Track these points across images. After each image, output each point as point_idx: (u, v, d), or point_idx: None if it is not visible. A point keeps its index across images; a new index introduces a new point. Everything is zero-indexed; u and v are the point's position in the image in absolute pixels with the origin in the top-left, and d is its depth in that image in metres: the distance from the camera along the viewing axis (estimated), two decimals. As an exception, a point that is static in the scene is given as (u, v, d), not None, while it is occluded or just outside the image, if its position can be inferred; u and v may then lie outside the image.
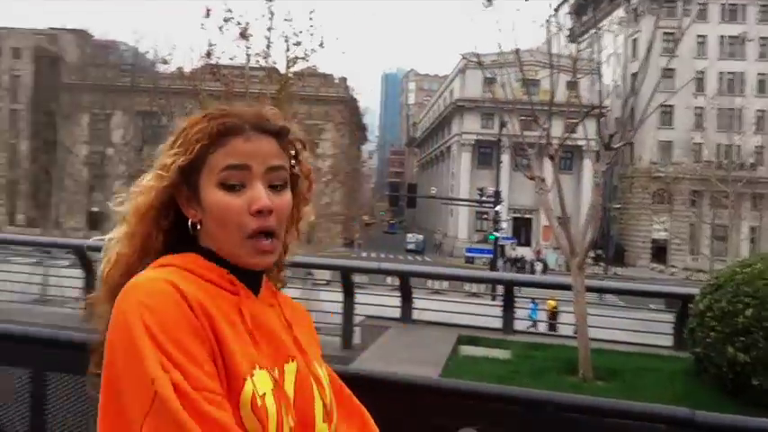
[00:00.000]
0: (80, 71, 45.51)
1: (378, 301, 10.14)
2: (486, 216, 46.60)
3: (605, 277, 38.18)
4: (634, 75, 10.53)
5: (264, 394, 0.98)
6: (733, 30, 51.33)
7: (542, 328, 12.97)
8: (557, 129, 9.53)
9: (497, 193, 33.25)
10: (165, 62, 30.80)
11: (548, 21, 10.51)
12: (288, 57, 19.82)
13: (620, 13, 40.80)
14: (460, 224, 54.35)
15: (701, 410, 1.64)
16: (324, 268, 11.91)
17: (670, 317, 9.78)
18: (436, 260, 48.78)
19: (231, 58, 20.26)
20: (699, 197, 46.85)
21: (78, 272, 10.05)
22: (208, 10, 19.42)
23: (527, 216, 53.16)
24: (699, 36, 49.19)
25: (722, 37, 51.79)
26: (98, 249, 1.11)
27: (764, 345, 6.55)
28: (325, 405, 1.09)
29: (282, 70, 20.22)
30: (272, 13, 19.62)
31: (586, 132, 10.76)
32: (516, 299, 10.34)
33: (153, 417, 0.88)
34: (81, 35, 48.07)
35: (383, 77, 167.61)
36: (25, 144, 46.30)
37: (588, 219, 8.90)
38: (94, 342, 1.01)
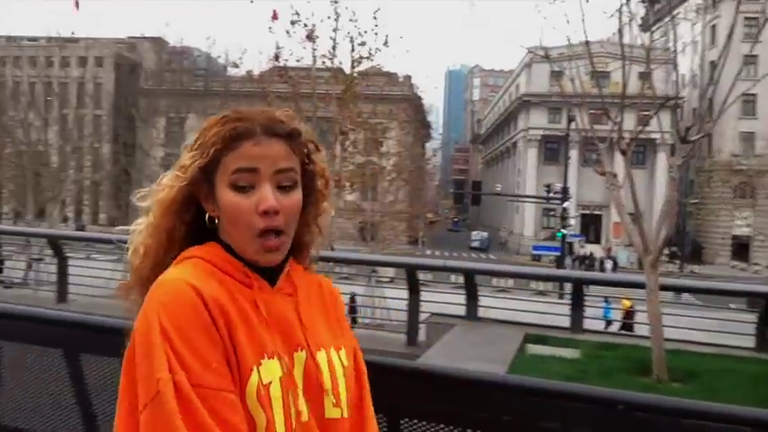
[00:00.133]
0: (157, 77, 47.70)
1: (442, 299, 10.12)
2: (553, 213, 45.53)
3: (681, 275, 36.60)
4: (713, 63, 10.01)
5: (270, 383, 1.05)
6: (824, 11, 47.85)
7: (617, 327, 12.55)
8: (628, 122, 9.17)
9: (565, 189, 32.41)
10: (235, 66, 31.81)
11: (619, 10, 10.13)
12: (353, 57, 20.05)
13: (696, -2, 38.80)
14: (527, 221, 53.31)
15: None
16: (389, 266, 12.01)
17: (752, 317, 9.30)
18: (501, 258, 48.07)
19: (298, 60, 20.70)
20: (785, 191, 44.03)
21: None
22: (275, 13, 19.90)
23: (596, 212, 51.52)
24: (785, 20, 46.15)
25: (812, 20, 48.37)
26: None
27: None
28: (334, 391, 1.13)
29: (348, 70, 20.47)
30: (337, 15, 19.88)
31: (661, 125, 10.33)
32: (585, 297, 10.07)
33: (151, 409, 0.98)
34: (158, 42, 50.28)
35: (447, 74, 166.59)
36: (107, 147, 48.96)
37: (663, 215, 8.58)
38: (127, 327, 1.09)
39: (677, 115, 9.48)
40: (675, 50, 9.85)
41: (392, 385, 1.71)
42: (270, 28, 20.17)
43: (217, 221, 1.14)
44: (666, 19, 11.34)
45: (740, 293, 11.37)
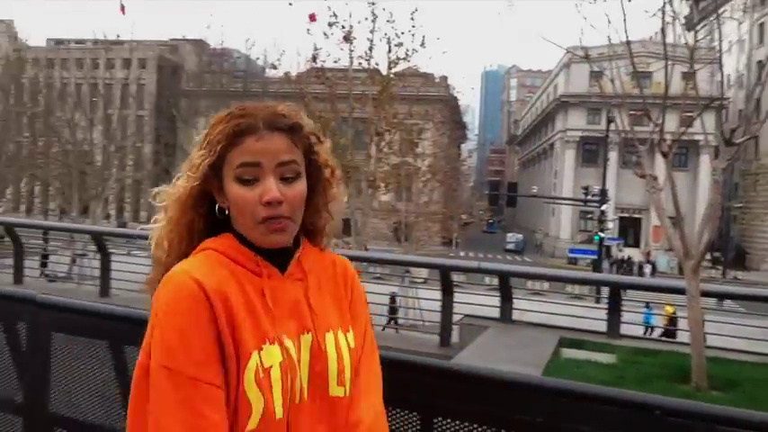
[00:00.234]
0: (197, 78, 48.57)
1: (476, 301, 10.06)
2: (590, 216, 44.71)
3: (724, 281, 35.55)
4: (760, 63, 9.70)
5: (271, 366, 1.12)
6: None
7: (658, 334, 12.27)
8: (670, 123, 8.96)
9: (603, 192, 31.82)
10: (273, 67, 32.13)
11: (662, 9, 9.90)
12: (390, 58, 20.09)
13: (744, -4, 37.56)
14: (563, 224, 52.49)
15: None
16: (423, 266, 12.01)
17: (800, 326, 8.97)
18: (536, 260, 47.48)
19: (335, 61, 20.84)
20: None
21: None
22: (313, 15, 20.08)
23: (635, 216, 50.39)
24: (839, 17, 44.32)
25: None
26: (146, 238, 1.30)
27: None
28: (339, 371, 1.19)
29: (384, 71, 20.51)
30: (375, 16, 19.97)
31: (704, 127, 10.06)
32: (623, 302, 9.88)
33: (146, 378, 1.11)
34: (198, 44, 51.26)
35: (483, 74, 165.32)
36: (148, 147, 50.24)
37: (705, 219, 8.35)
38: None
39: (722, 117, 9.20)
40: (721, 50, 9.57)
41: (426, 384, 1.74)
42: (308, 30, 20.39)
43: (227, 212, 1.22)
44: (712, 18, 11.03)
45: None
